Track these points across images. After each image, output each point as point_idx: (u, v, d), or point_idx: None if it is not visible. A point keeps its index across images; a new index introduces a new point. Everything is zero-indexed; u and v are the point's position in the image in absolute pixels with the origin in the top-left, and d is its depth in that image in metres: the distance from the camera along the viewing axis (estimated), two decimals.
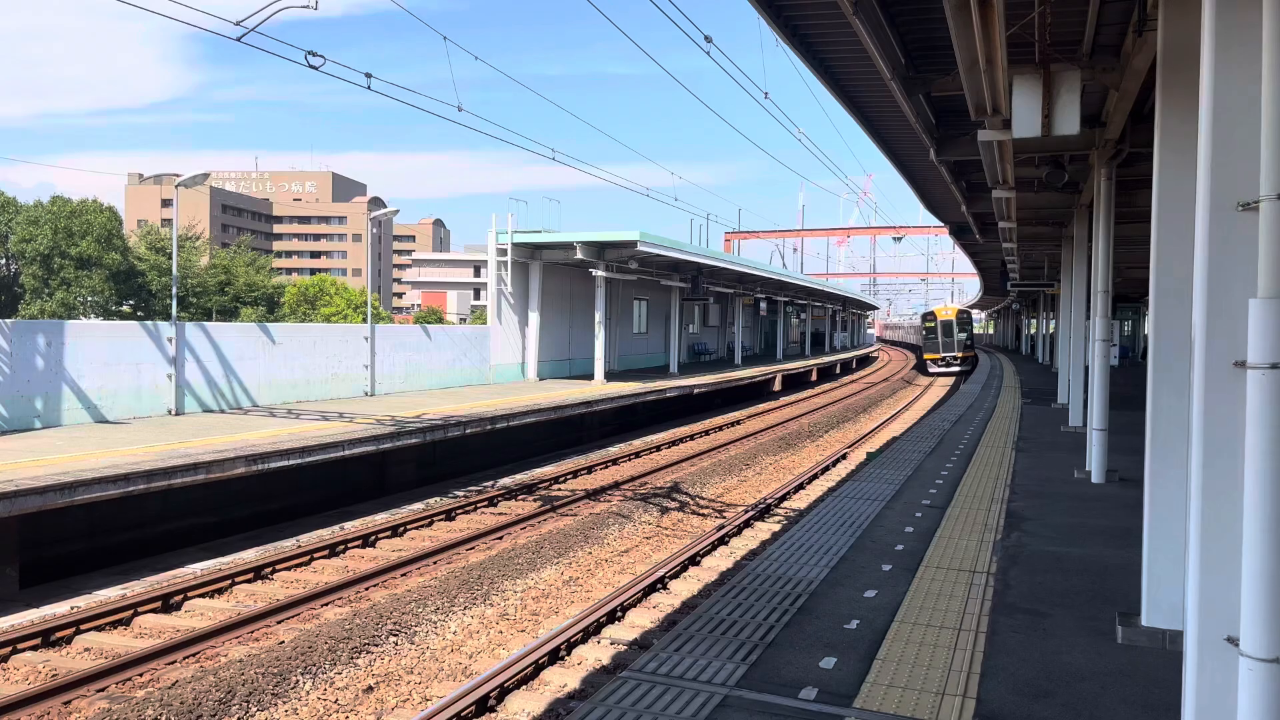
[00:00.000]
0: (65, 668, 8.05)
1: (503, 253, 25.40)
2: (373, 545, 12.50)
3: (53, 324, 15.11)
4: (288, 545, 12.18)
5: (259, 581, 10.81)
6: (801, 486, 16.77)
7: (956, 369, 49.95)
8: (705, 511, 14.80)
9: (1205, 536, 3.79)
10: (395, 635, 8.69)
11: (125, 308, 61.10)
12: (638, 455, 20.51)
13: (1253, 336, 3.23)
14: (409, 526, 13.35)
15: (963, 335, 51.22)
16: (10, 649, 8.38)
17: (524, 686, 7.59)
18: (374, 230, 26.78)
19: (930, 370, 52.89)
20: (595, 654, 8.29)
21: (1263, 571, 3.18)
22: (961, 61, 7.34)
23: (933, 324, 53.54)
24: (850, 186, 77.73)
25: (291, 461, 12.79)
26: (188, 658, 8.21)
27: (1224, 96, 3.80)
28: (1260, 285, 3.22)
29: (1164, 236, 5.92)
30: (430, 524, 13.67)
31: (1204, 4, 3.88)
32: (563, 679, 7.72)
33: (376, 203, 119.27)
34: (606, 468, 18.82)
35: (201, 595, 10.17)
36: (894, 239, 70.46)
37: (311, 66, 12.37)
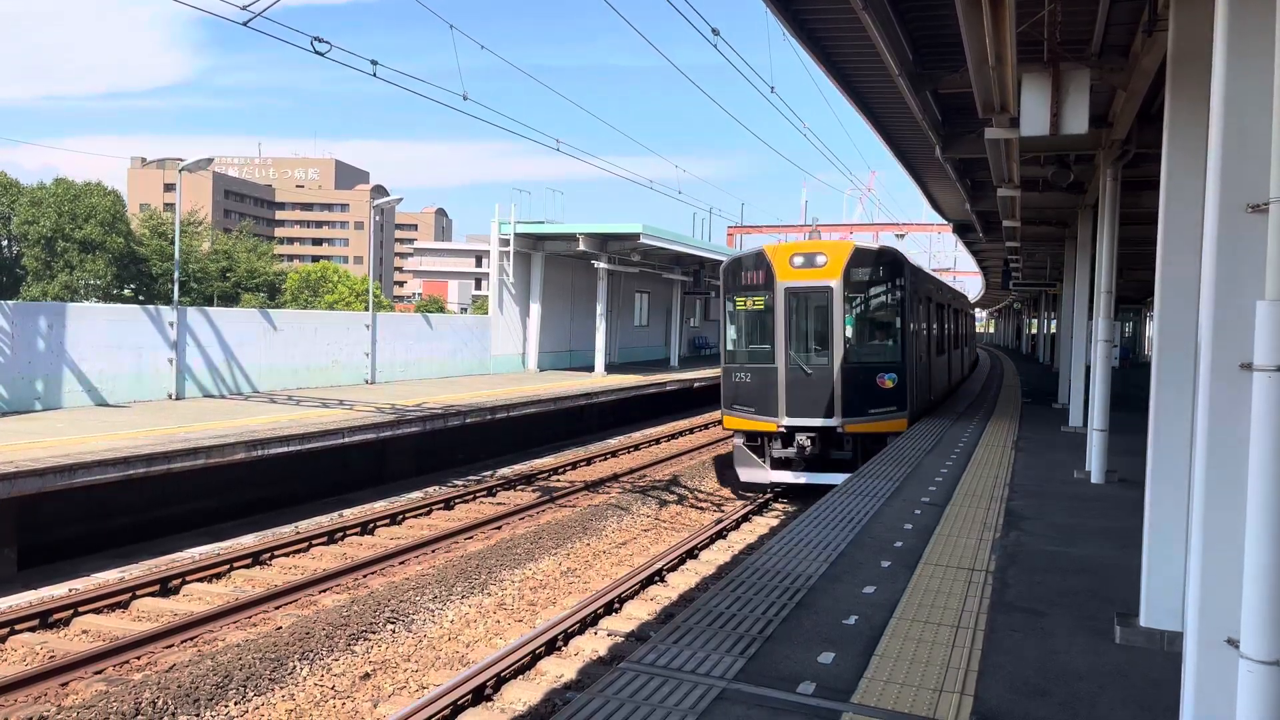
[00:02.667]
0: (63, 649, 8.07)
1: (505, 243, 25.38)
2: (371, 533, 12.51)
3: (54, 306, 15.12)
4: (286, 531, 12.20)
5: (257, 567, 10.83)
6: None
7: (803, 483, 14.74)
8: (703, 505, 14.81)
9: (1207, 537, 3.78)
10: (393, 623, 8.71)
11: (126, 291, 61.12)
12: (637, 448, 20.52)
13: (1259, 338, 3.23)
14: (408, 515, 13.36)
15: (878, 343, 15.48)
16: (8, 630, 8.40)
17: (521, 676, 7.61)
18: (376, 218, 26.74)
19: (744, 479, 15.24)
20: (592, 645, 8.30)
21: (1264, 573, 3.17)
22: (971, 58, 7.30)
23: (762, 299, 15.07)
24: (854, 182, 77.52)
25: (291, 448, 12.80)
26: (185, 642, 8.22)
27: (1235, 97, 3.78)
28: (1268, 288, 3.21)
29: (1170, 237, 5.90)
30: (429, 513, 13.68)
31: (1216, 4, 3.86)
32: (559, 669, 7.73)
33: (379, 191, 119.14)
34: (605, 460, 18.83)
35: (200, 580, 10.18)
36: (897, 236, 70.23)
37: (317, 53, 12.35)
